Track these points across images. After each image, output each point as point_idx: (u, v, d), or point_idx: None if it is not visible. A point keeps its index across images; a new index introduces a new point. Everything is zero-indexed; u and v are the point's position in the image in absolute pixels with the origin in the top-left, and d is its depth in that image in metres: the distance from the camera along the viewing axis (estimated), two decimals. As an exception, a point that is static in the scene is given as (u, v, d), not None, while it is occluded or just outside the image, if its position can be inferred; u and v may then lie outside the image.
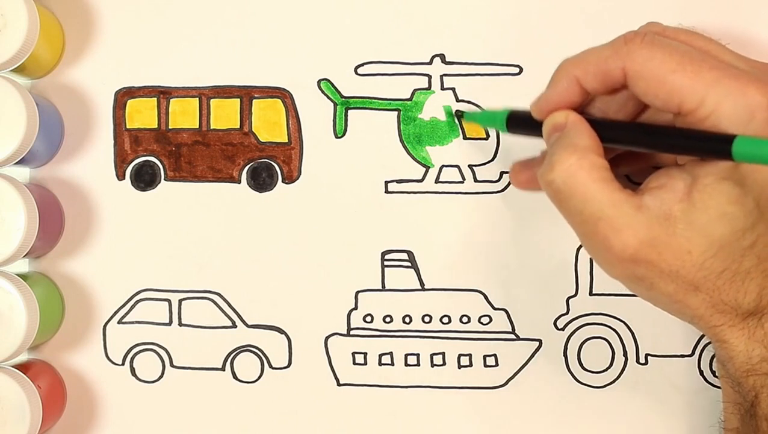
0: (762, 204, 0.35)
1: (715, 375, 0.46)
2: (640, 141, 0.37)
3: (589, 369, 0.47)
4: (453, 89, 0.47)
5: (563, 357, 0.47)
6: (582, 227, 0.37)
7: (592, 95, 0.39)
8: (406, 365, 0.48)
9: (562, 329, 0.47)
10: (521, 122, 0.42)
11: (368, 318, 0.48)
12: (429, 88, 0.47)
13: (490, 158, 0.47)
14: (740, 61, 0.37)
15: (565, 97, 0.38)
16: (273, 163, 0.48)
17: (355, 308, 0.48)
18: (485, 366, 0.47)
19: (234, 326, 0.48)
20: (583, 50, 0.38)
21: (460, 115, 0.47)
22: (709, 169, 0.35)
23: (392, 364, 0.48)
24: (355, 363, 0.48)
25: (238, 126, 0.48)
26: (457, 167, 0.47)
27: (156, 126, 0.48)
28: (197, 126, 0.48)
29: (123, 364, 0.48)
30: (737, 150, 0.32)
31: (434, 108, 0.47)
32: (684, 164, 0.37)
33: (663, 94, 0.35)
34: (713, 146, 0.34)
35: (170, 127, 0.48)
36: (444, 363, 0.48)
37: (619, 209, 0.35)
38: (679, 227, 0.35)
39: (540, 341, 0.47)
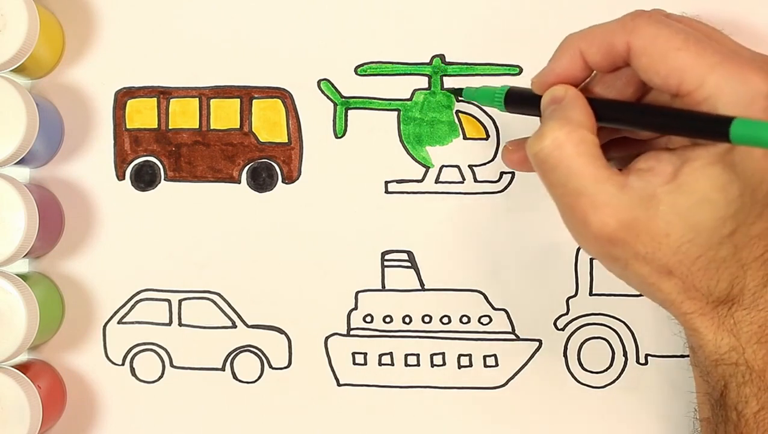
0: (746, 194, 0.34)
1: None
2: (637, 121, 0.37)
3: (589, 369, 0.47)
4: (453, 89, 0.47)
5: (563, 357, 0.47)
6: (563, 200, 0.36)
7: (594, 71, 0.39)
8: (406, 365, 0.48)
9: (562, 329, 0.47)
10: (520, 99, 0.41)
11: (368, 318, 0.48)
12: (429, 88, 0.47)
13: (490, 158, 0.47)
14: (743, 50, 0.37)
15: (568, 71, 0.38)
16: (273, 163, 0.48)
17: (355, 308, 0.48)
18: (485, 366, 0.47)
19: (234, 326, 0.48)
20: (590, 26, 0.38)
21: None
22: (699, 153, 0.35)
23: (392, 364, 0.48)
24: (355, 363, 0.48)
25: (238, 126, 0.48)
26: (457, 167, 0.47)
27: (156, 126, 0.48)
28: (197, 126, 0.48)
29: (123, 364, 0.48)
30: (735, 131, 0.32)
31: (434, 108, 0.48)
32: (675, 149, 0.37)
33: (664, 71, 0.35)
34: (712, 126, 0.33)
35: (170, 127, 0.48)
36: (444, 363, 0.48)
37: (602, 186, 0.35)
38: (660, 209, 0.35)
39: (540, 341, 0.47)
